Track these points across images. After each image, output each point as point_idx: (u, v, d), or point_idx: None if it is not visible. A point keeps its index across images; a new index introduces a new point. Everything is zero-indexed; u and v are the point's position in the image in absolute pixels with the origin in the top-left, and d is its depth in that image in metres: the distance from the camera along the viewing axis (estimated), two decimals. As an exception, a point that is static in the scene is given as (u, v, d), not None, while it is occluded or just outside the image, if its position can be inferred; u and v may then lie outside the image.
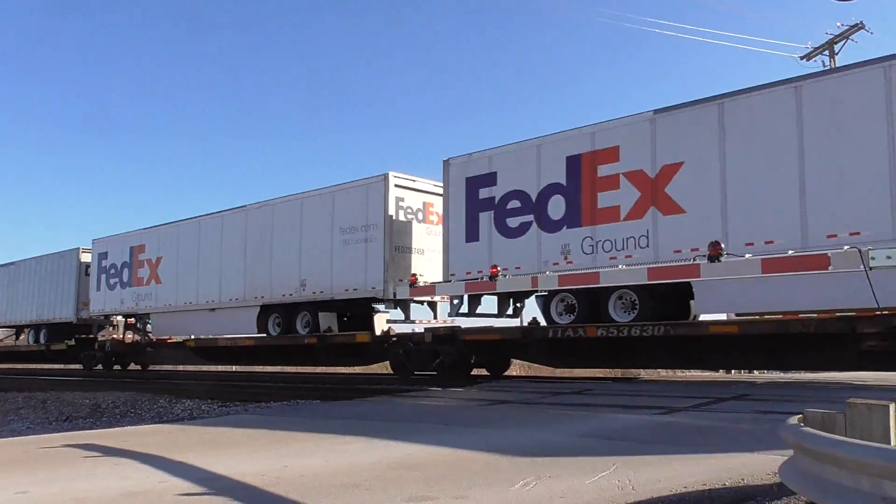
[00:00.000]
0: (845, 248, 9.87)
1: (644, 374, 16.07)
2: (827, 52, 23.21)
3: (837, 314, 10.63)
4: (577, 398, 9.98)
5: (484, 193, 14.51)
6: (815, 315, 10.87)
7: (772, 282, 10.68)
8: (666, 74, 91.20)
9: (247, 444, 6.92)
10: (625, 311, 12.58)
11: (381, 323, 17.02)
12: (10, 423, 14.00)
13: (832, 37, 23.03)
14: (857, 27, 22.67)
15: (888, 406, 3.53)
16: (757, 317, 11.83)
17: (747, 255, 10.69)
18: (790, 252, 10.51)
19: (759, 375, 13.70)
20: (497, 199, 14.27)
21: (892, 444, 3.45)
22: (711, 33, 75.32)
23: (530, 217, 13.71)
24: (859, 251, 9.56)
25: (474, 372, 15.94)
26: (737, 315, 12.03)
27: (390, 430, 7.23)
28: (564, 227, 13.21)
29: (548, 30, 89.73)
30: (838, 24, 23.00)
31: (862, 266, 9.49)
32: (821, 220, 10.53)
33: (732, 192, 11.34)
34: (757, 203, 11.11)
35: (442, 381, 13.93)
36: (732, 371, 15.98)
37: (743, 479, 4.36)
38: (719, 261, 10.66)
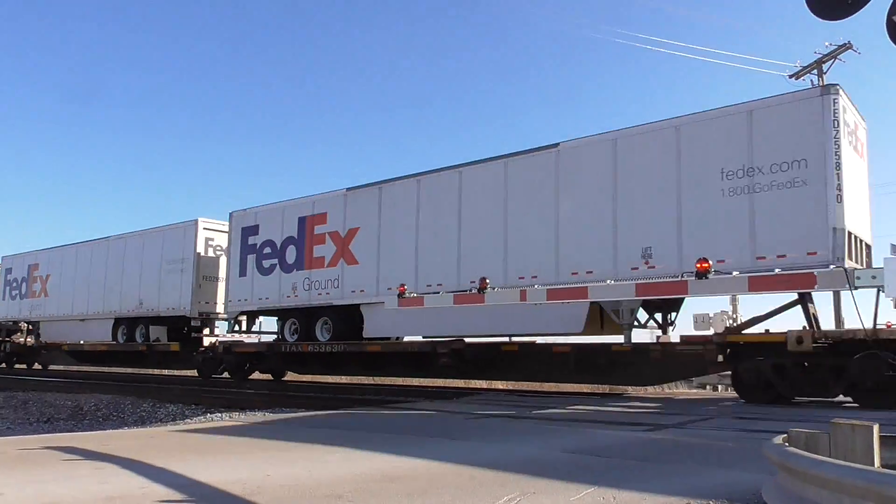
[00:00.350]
0: (831, 267, 10.14)
1: (631, 390, 16.07)
2: (815, 72, 23.41)
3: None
4: (563, 413, 9.97)
5: (251, 240, 18.92)
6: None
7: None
8: (659, 89, 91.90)
9: (229, 451, 6.85)
10: (327, 332, 17.16)
11: (209, 339, 21.74)
12: (-10, 424, 13.84)
13: (820, 56, 23.22)
14: (845, 47, 22.86)
15: (872, 427, 3.54)
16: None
17: (735, 273, 10.78)
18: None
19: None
20: (258, 246, 18.71)
21: (876, 464, 3.46)
22: (703, 50, 75.80)
23: (276, 261, 18.18)
24: (845, 271, 9.80)
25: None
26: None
27: (373, 442, 7.18)
28: (295, 270, 17.68)
29: (542, 45, 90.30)
30: (826, 43, 23.21)
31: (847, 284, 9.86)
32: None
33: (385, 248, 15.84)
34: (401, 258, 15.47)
35: (432, 395, 14.96)
36: (719, 388, 16.12)
37: (727, 499, 4.35)
38: (707, 277, 10.70)
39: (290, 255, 17.77)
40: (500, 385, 18.09)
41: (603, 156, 12.54)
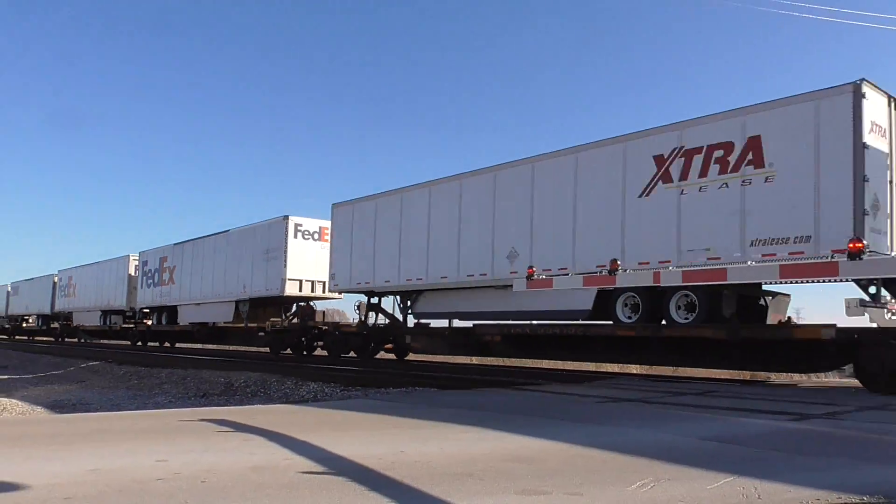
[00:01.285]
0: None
1: (774, 377, 15.19)
2: None
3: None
4: (700, 399, 9.57)
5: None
6: None
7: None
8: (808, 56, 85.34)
9: (366, 427, 7.13)
10: None
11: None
12: (155, 397, 15.19)
13: None
14: None
15: None
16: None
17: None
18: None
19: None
20: None
21: None
22: (852, 14, 69.37)
23: None
24: None
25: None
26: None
27: (504, 422, 7.22)
28: None
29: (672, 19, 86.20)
30: None
31: None
32: None
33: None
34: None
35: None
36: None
37: (883, 495, 4.01)
38: (860, 258, 9.90)
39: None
40: (633, 369, 17.66)
41: None
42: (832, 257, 10.51)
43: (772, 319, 13.38)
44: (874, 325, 10.47)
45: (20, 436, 6.88)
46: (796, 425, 7.03)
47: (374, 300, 20.96)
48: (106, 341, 39.82)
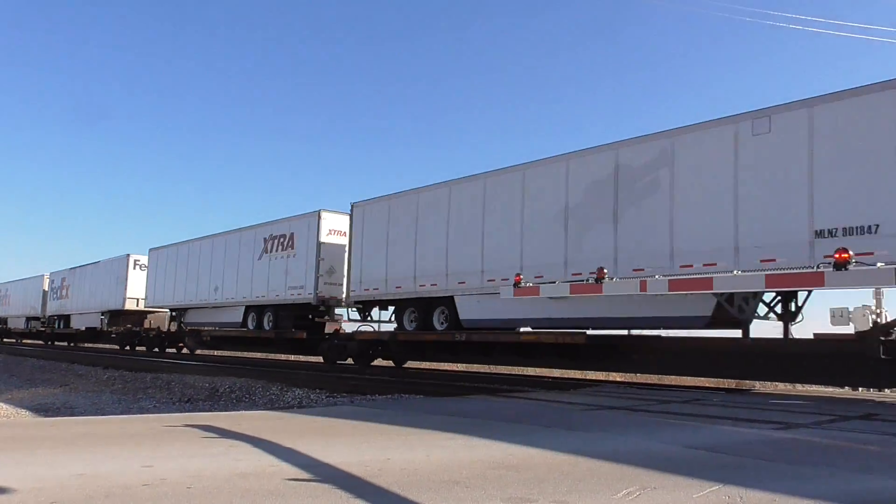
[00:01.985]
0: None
1: (759, 386, 15.28)
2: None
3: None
4: (686, 408, 9.61)
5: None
6: None
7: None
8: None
9: (352, 434, 7.12)
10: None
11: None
12: (140, 402, 15.07)
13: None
14: None
15: None
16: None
17: (880, 264, 9.98)
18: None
19: (889, 394, 12.72)
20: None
21: None
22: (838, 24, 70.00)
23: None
24: None
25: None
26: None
27: (491, 429, 7.23)
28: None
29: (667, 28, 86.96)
30: None
31: None
32: None
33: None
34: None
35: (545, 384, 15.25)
36: (860, 388, 14.99)
37: (868, 505, 4.05)
38: (846, 269, 9.99)
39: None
40: (616, 377, 17.71)
41: None
42: (818, 268, 10.62)
43: None
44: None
45: (5, 438, 6.81)
46: (782, 434, 7.08)
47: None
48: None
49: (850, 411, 9.28)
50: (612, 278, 13.04)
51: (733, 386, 15.74)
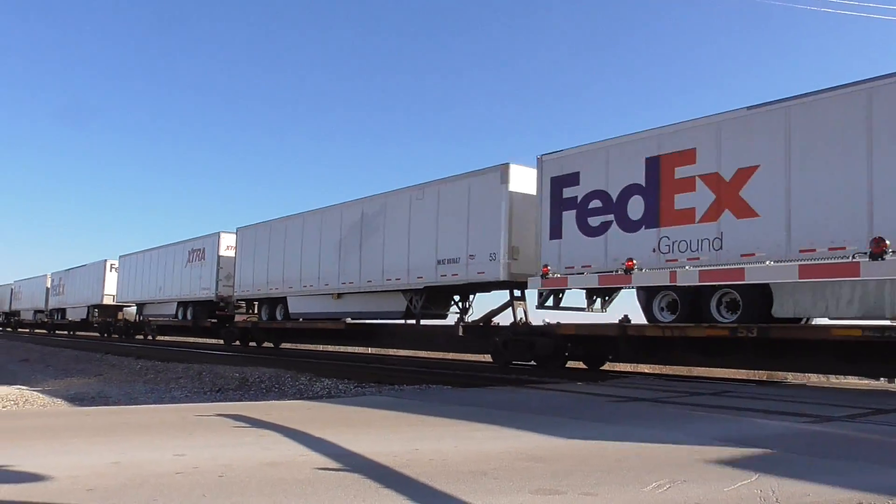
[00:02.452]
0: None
1: (791, 377, 15.07)
2: None
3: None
4: (715, 399, 9.52)
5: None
6: None
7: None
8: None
9: (380, 424, 7.17)
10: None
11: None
12: (172, 391, 15.32)
13: None
14: None
15: None
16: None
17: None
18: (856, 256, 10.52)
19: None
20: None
21: None
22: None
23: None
24: None
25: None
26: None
27: (518, 421, 7.22)
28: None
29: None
30: None
31: None
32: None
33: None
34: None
35: (553, 372, 14.53)
36: None
37: (904, 499, 3.98)
38: (883, 258, 9.80)
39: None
40: (645, 368, 17.59)
41: None
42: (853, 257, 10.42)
43: None
44: None
45: (43, 428, 6.98)
46: (815, 427, 6.97)
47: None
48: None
49: (886, 404, 9.11)
50: (641, 269, 12.96)
51: (764, 378, 15.55)
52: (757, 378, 15.08)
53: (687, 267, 12.61)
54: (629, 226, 13.67)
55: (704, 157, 12.55)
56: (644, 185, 13.46)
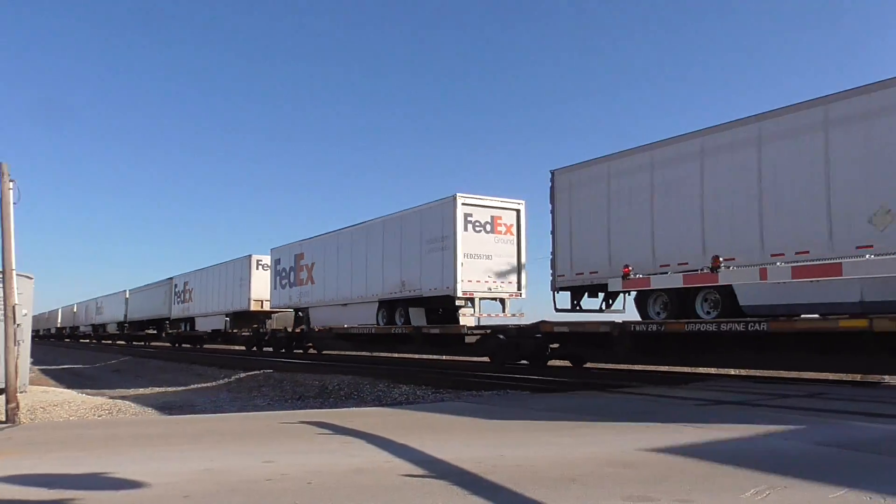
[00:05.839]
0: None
1: (889, 378, 14.25)
2: None
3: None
4: (808, 402, 9.08)
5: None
6: None
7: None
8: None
9: (462, 430, 7.14)
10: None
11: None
12: (254, 400, 15.72)
13: None
14: None
15: None
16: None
17: None
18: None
19: None
20: None
21: None
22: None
23: None
24: None
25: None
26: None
27: (603, 426, 7.08)
28: None
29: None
30: None
31: None
32: None
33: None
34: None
35: (653, 379, 14.09)
36: None
37: None
38: None
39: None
40: (730, 371, 16.97)
41: None
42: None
43: None
44: None
45: (136, 436, 7.25)
46: (922, 430, 6.56)
47: None
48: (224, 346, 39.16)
49: None
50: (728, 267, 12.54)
51: (859, 378, 14.77)
52: (851, 379, 14.33)
53: (778, 264, 12.15)
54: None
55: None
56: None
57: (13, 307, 10.53)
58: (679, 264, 13.66)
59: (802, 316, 12.08)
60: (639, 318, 14.50)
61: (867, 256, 11.03)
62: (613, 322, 14.62)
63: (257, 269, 33.37)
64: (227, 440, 6.64)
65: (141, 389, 19.78)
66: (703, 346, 13.53)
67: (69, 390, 18.27)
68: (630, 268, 14.30)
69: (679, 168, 13.96)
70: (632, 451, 5.57)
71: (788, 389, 10.91)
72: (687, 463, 5.03)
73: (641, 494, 4.06)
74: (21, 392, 11.72)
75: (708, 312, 13.29)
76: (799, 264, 11.64)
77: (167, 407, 14.65)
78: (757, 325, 11.86)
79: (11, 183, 10.73)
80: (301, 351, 29.74)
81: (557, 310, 16.66)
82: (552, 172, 16.69)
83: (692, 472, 4.71)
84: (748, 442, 5.96)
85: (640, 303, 14.56)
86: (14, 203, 10.67)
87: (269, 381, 18.72)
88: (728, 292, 12.71)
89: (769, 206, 12.33)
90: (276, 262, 31.30)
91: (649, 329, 13.71)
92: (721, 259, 12.62)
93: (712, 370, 16.70)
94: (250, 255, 33.59)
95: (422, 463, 5.06)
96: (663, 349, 14.45)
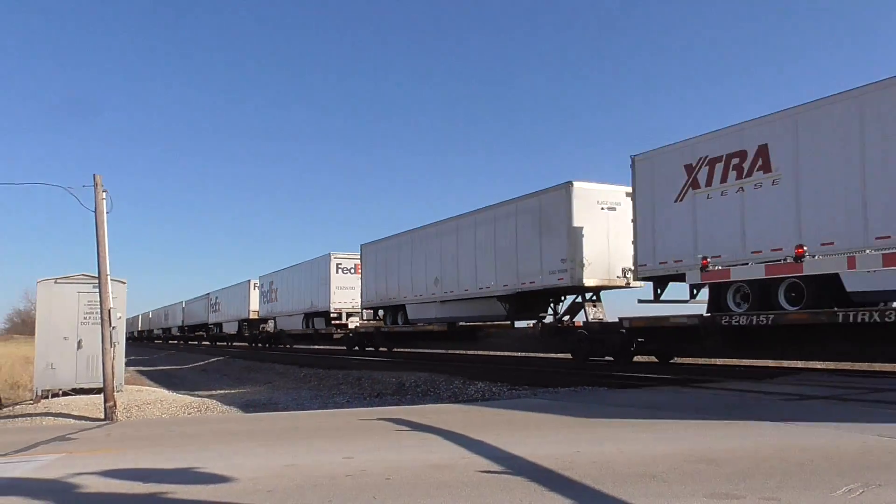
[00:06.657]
0: None
1: None
2: None
3: None
4: (904, 396, 8.61)
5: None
6: None
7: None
8: None
9: (538, 426, 7.11)
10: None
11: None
12: (334, 397, 16.08)
13: None
14: None
15: None
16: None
17: None
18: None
19: None
20: None
21: None
22: None
23: None
24: None
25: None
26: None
27: (684, 421, 6.91)
28: None
29: None
30: None
31: None
32: None
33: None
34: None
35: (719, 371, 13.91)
36: None
37: None
38: None
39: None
40: (818, 364, 16.26)
41: None
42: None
43: None
44: None
45: (223, 432, 7.56)
46: None
47: None
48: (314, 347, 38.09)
49: None
50: (811, 256, 11.99)
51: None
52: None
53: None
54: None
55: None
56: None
57: (108, 310, 11.13)
58: (773, 250, 12.85)
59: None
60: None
61: None
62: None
63: (254, 289, 41.99)
64: (308, 437, 6.83)
65: (226, 389, 20.54)
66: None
67: (161, 389, 19.17)
68: (708, 259, 13.84)
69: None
70: (715, 446, 5.42)
71: (882, 383, 10.38)
72: (774, 459, 4.86)
73: (725, 491, 3.95)
74: (117, 391, 12.39)
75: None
76: None
77: (251, 405, 15.16)
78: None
79: (104, 193, 11.35)
80: (372, 349, 29.86)
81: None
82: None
83: (780, 467, 4.54)
84: (840, 438, 5.71)
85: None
86: (107, 212, 11.29)
87: (347, 378, 19.11)
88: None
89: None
90: (262, 285, 39.14)
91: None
92: (805, 248, 12.04)
93: (799, 364, 16.04)
94: (249, 280, 42.62)
95: (498, 459, 5.07)
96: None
